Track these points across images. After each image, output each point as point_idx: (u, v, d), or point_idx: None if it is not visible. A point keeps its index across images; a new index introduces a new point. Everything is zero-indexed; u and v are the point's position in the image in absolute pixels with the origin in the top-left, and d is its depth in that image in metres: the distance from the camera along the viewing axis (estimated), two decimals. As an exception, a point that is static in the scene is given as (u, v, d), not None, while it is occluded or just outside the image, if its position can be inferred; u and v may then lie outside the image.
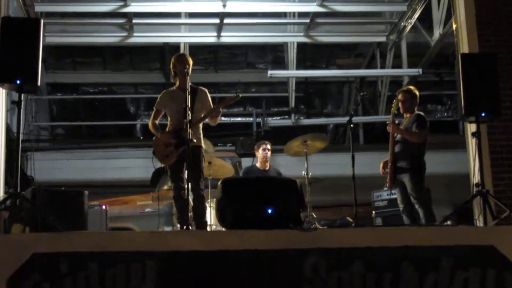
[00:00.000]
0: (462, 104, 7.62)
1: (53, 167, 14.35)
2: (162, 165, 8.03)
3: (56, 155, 15.24)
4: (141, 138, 16.86)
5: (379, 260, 6.10)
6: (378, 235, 6.43)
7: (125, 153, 15.29)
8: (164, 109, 7.99)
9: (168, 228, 9.85)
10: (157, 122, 8.00)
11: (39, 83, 6.92)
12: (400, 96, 8.45)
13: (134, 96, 18.11)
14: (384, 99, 15.48)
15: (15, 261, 5.81)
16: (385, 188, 9.65)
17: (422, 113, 8.42)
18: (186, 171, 7.68)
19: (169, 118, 7.97)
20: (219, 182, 7.13)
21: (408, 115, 8.42)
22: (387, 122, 8.42)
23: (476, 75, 7.64)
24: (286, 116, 16.85)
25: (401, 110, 8.50)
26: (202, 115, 7.85)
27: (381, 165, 8.43)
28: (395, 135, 8.34)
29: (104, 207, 8.88)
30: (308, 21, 13.66)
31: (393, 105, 8.53)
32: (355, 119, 14.92)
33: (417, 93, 8.50)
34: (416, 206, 8.02)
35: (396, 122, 8.52)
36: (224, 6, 12.54)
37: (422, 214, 7.98)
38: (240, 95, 8.02)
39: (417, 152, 8.19)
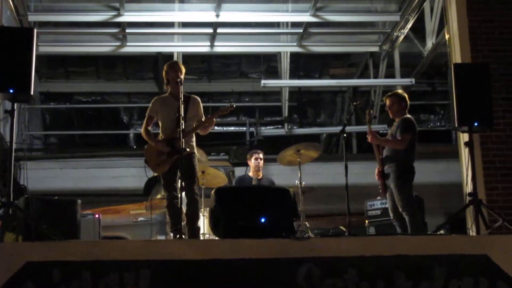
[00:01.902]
0: (455, 114, 7.64)
1: (46, 176, 14.31)
2: (155, 174, 8.02)
3: (49, 164, 15.18)
4: (134, 147, 16.81)
5: (372, 269, 6.11)
6: (371, 244, 6.43)
7: (118, 162, 15.24)
8: (156, 116, 7.98)
9: (161, 237, 9.84)
10: (149, 128, 8.00)
11: (32, 93, 6.92)
12: (387, 102, 8.41)
13: (127, 105, 18.08)
14: (377, 109, 15.49)
15: (8, 270, 5.79)
16: (378, 198, 9.69)
17: (409, 117, 8.26)
18: (179, 180, 7.68)
19: (160, 126, 7.95)
20: (212, 191, 7.14)
21: (397, 119, 8.31)
22: (367, 132, 8.36)
23: (469, 85, 7.66)
24: (279, 126, 16.85)
25: (390, 116, 8.46)
26: (195, 124, 7.86)
27: (376, 171, 8.37)
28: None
29: (97, 216, 8.87)
30: (301, 31, 13.70)
31: (366, 116, 8.52)
32: (348, 128, 14.96)
33: (405, 95, 8.40)
34: (403, 214, 7.98)
35: (383, 131, 8.49)
36: (217, 16, 12.58)
37: (408, 222, 7.90)
38: (234, 105, 8.04)
39: (404, 157, 8.06)
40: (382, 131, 13.09)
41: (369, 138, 8.25)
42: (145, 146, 7.96)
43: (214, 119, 7.98)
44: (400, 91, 8.65)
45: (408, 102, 8.37)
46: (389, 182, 8.09)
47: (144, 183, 12.14)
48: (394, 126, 8.31)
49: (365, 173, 9.42)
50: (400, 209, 7.97)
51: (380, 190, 8.27)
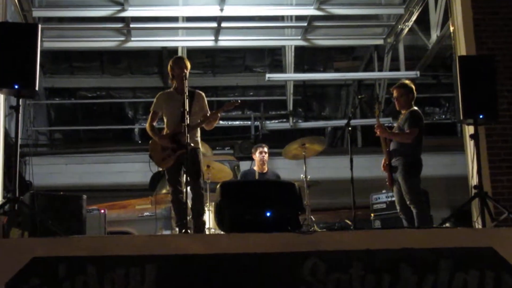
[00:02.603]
0: (460, 106, 7.62)
1: (52, 172, 14.35)
2: (160, 169, 8.02)
3: (54, 160, 15.23)
4: (139, 142, 16.84)
5: (378, 263, 6.10)
6: (377, 238, 6.42)
7: (123, 157, 15.28)
8: (160, 111, 7.97)
9: (166, 232, 9.84)
10: (155, 124, 7.99)
11: (37, 88, 6.93)
12: (394, 93, 8.35)
13: (132, 100, 18.11)
14: (382, 102, 15.48)
15: (14, 266, 5.80)
16: (384, 191, 9.67)
17: (416, 109, 8.21)
18: (184, 175, 7.68)
19: (165, 121, 7.96)
20: (218, 186, 7.15)
21: (404, 111, 8.26)
22: (375, 125, 8.33)
23: (474, 78, 7.64)
24: (284, 119, 16.83)
25: (397, 107, 8.40)
26: (200, 119, 7.86)
27: (383, 162, 8.32)
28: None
29: (102, 211, 8.88)
30: (305, 24, 13.68)
31: (375, 109, 8.49)
32: (353, 122, 14.88)
33: (413, 86, 8.31)
34: (411, 207, 7.96)
35: (388, 124, 8.45)
36: (221, 10, 12.55)
37: (415, 215, 7.87)
38: (239, 101, 8.03)
39: (411, 150, 8.03)
40: (387, 124, 13.06)
41: (377, 132, 8.22)
42: (150, 141, 7.96)
43: (219, 114, 7.98)
44: (407, 81, 8.51)
45: (415, 93, 8.33)
46: (396, 175, 8.07)
47: (150, 178, 12.16)
48: (401, 118, 8.26)
49: (370, 166, 9.42)
50: (407, 202, 7.94)
51: (387, 183, 8.25)
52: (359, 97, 9.95)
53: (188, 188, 7.57)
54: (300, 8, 13.17)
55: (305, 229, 7.34)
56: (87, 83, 17.71)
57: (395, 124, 8.64)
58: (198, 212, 7.66)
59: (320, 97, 18.39)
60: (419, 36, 14.28)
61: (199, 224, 7.62)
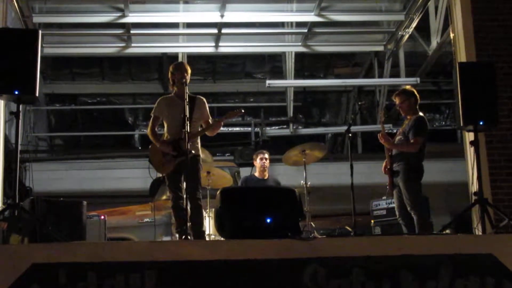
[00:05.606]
0: (460, 113, 7.62)
1: (52, 178, 14.34)
2: (160, 175, 8.00)
3: (54, 166, 15.23)
4: (140, 148, 16.85)
5: (378, 269, 6.10)
6: (377, 244, 6.42)
7: (123, 163, 15.27)
8: (161, 116, 7.94)
9: (166, 238, 9.84)
10: (156, 129, 7.97)
11: (37, 94, 6.93)
12: (397, 100, 8.34)
13: (132, 106, 18.11)
14: (382, 108, 15.47)
15: (14, 272, 5.79)
16: (384, 198, 9.66)
17: (421, 116, 8.18)
18: (184, 181, 7.65)
19: (166, 127, 7.92)
20: (218, 192, 7.13)
21: (409, 117, 8.22)
22: (379, 135, 8.31)
23: (474, 84, 7.64)
24: (285, 126, 16.84)
25: (402, 114, 8.38)
26: (201, 126, 7.84)
27: (384, 164, 8.31)
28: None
29: (102, 217, 8.86)
30: (306, 30, 13.69)
31: (380, 114, 8.48)
32: (353, 128, 14.90)
33: (414, 90, 8.30)
34: (412, 213, 7.94)
35: (387, 131, 8.41)
36: (222, 16, 12.56)
37: (416, 221, 7.86)
38: (242, 110, 8.00)
39: (414, 156, 8.02)
40: (387, 131, 13.08)
41: (382, 140, 8.18)
42: (150, 146, 7.94)
43: (222, 123, 7.95)
44: (408, 87, 8.51)
45: (418, 97, 8.30)
46: (397, 180, 8.05)
47: (150, 184, 12.15)
48: (406, 124, 8.22)
49: (370, 173, 9.41)
50: (408, 208, 7.93)
51: (388, 187, 8.23)
52: (359, 103, 9.96)
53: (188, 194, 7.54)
54: (301, 14, 13.18)
55: (305, 235, 7.35)
56: (87, 89, 17.71)
57: (397, 130, 8.62)
58: (197, 224, 7.60)
59: (321, 103, 18.39)
60: (420, 43, 14.30)
61: (199, 235, 7.57)
